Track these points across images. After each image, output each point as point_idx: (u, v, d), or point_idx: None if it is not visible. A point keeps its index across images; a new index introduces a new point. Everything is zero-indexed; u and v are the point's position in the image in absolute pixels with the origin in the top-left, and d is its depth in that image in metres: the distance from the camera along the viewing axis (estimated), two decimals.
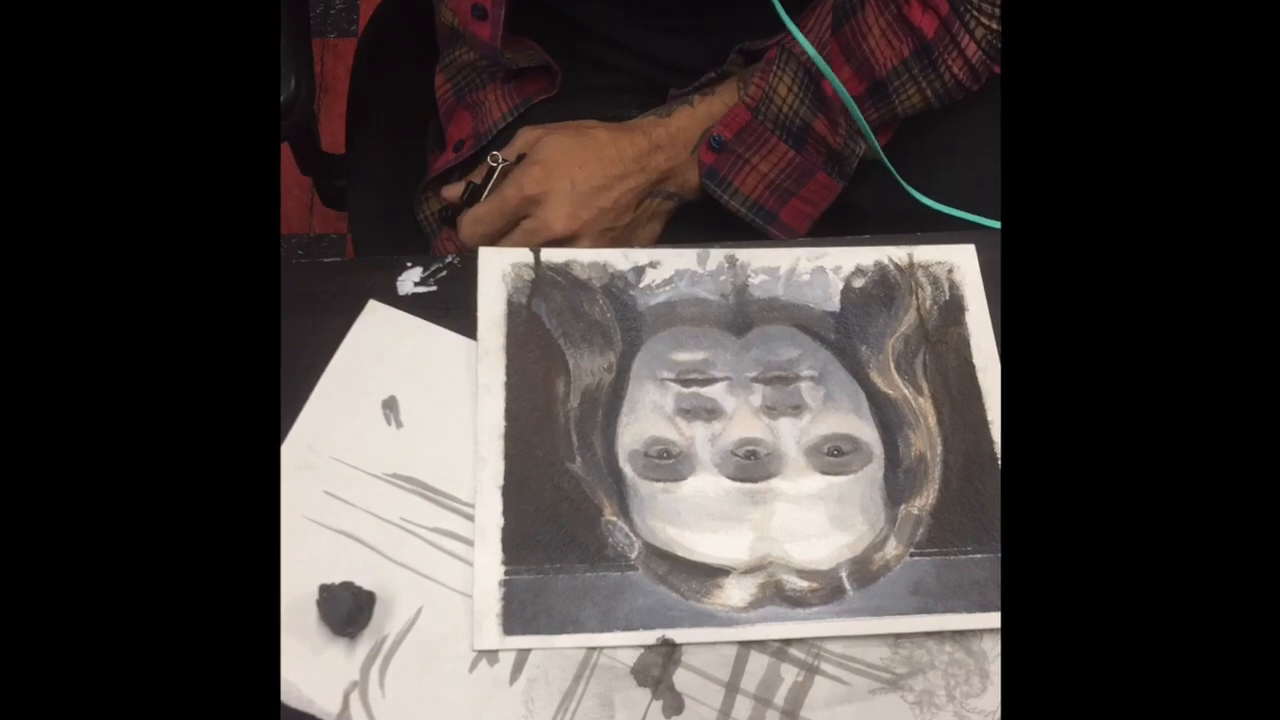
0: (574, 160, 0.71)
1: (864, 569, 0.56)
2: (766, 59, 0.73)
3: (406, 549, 0.57)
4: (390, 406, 0.60)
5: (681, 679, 0.54)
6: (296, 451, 0.59)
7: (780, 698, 0.53)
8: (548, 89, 0.79)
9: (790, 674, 0.54)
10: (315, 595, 0.54)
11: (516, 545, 0.56)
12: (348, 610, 0.53)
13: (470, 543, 0.56)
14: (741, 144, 0.73)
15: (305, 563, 0.55)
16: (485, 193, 0.73)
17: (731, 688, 0.54)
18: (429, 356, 0.62)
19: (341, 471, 0.59)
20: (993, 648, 0.55)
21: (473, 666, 0.54)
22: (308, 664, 0.54)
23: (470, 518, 0.57)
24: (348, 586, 0.54)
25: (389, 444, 0.59)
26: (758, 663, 0.54)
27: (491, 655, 0.54)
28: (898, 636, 0.55)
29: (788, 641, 0.55)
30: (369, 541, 0.57)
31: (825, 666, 0.54)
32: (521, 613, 0.54)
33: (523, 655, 0.54)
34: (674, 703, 0.53)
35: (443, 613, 0.55)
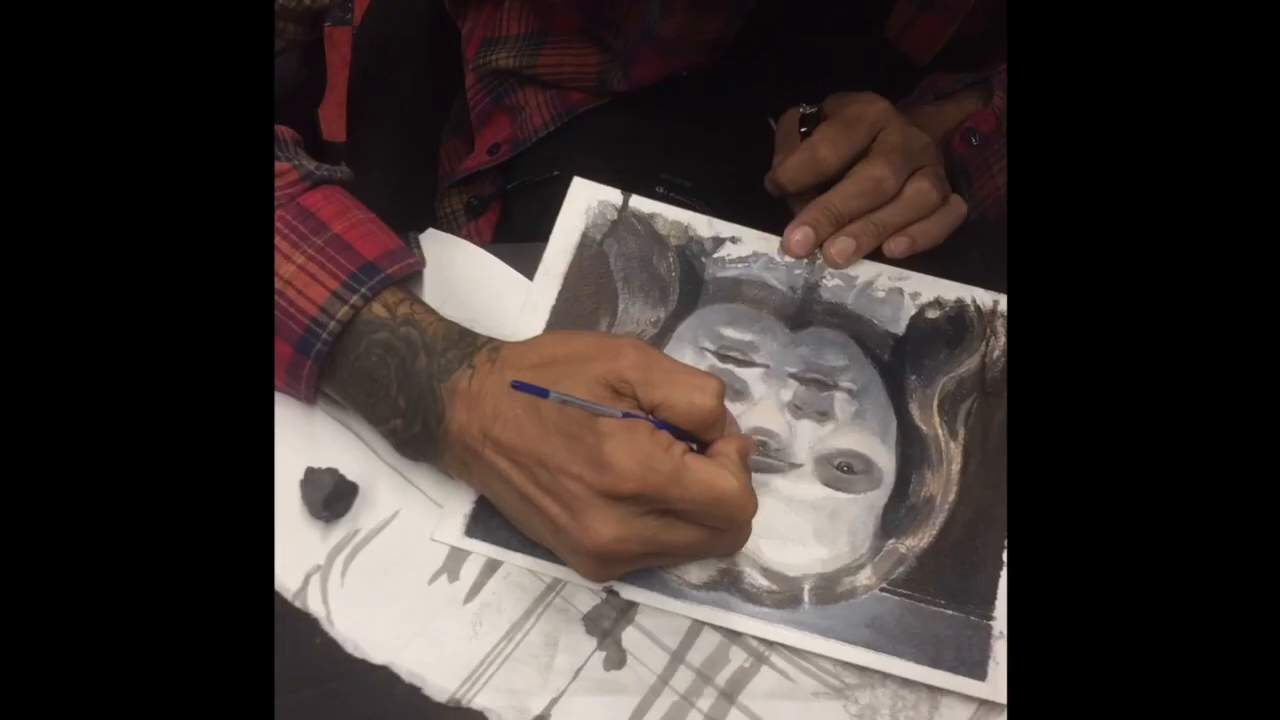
0: None
1: (828, 588, 0.54)
2: (999, 78, 0.71)
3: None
4: None
5: (630, 637, 0.53)
6: None
7: (722, 679, 0.52)
8: (591, 99, 0.78)
9: (739, 657, 0.53)
10: (300, 476, 0.55)
11: None
12: (326, 494, 0.54)
13: None
14: (990, 149, 0.71)
15: (298, 444, 0.56)
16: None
17: (677, 657, 0.53)
18: (478, 281, 0.62)
19: None
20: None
21: (433, 579, 0.54)
22: (279, 540, 0.53)
23: None
24: (332, 473, 0.55)
25: None
26: (709, 639, 0.53)
27: (453, 571, 0.54)
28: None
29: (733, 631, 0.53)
30: (364, 435, 0.57)
31: (775, 659, 0.53)
32: (488, 522, 0.55)
33: (482, 580, 0.54)
34: (616, 657, 0.53)
35: (418, 520, 0.55)
